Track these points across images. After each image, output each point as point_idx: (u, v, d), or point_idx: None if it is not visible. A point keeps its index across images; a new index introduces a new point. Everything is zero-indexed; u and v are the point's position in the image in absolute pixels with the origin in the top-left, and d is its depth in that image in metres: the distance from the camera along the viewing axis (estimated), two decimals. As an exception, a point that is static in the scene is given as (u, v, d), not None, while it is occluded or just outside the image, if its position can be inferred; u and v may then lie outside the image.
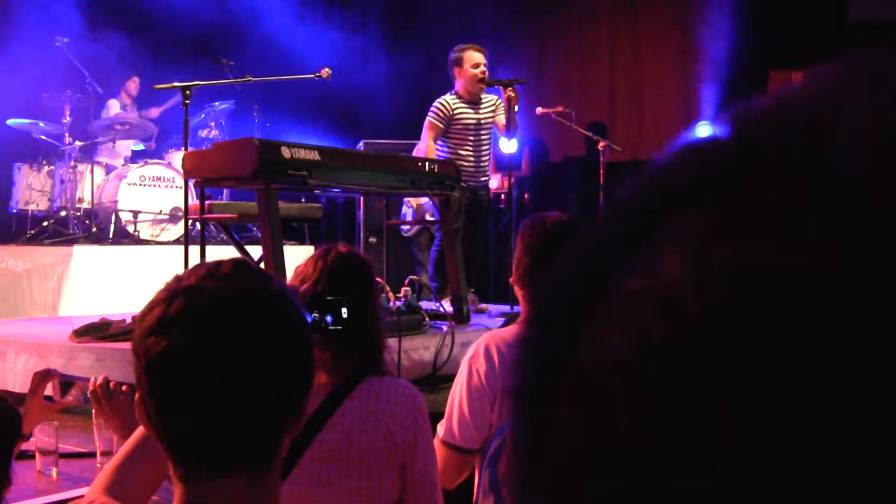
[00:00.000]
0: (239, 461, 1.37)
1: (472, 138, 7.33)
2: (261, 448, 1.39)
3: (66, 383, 2.64)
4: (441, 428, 3.14)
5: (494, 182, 9.05)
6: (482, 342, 3.13)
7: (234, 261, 1.44)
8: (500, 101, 7.41)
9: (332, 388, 2.53)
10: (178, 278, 1.40)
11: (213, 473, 1.36)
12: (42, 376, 2.78)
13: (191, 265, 1.66)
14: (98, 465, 3.61)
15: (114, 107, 9.90)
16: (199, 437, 1.36)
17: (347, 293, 2.49)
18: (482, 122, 7.37)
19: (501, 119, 7.36)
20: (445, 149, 7.28)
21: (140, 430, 1.86)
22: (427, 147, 7.18)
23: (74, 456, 3.74)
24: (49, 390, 2.78)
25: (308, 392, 1.47)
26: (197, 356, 1.33)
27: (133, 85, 10.42)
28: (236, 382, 1.34)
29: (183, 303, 1.34)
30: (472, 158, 7.33)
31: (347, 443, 2.49)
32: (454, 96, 7.32)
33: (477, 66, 7.20)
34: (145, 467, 1.80)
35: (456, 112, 7.26)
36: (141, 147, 10.20)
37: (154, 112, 10.31)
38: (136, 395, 1.39)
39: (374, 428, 2.52)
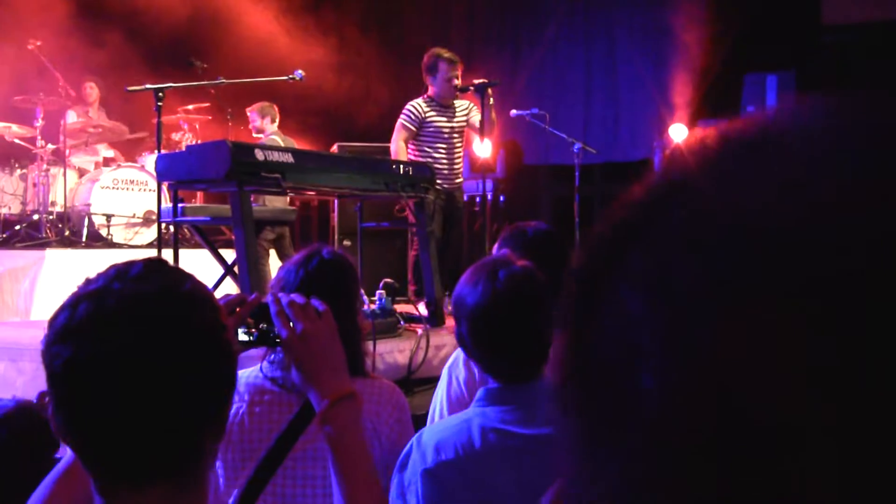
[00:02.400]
0: (158, 471, 1.31)
1: (444, 142, 7.35)
2: (180, 456, 1.33)
3: None
4: None
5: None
6: (461, 350, 3.14)
7: (146, 260, 1.36)
8: (473, 105, 7.43)
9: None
10: (87, 281, 1.33)
11: (132, 484, 1.30)
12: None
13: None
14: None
15: (70, 117, 9.81)
16: (112, 447, 1.29)
17: (331, 300, 2.48)
18: (455, 127, 7.39)
19: (476, 118, 7.37)
20: (418, 152, 7.30)
21: None
22: (397, 149, 7.24)
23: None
24: None
25: (229, 396, 1.39)
26: (103, 364, 1.25)
27: (90, 90, 10.34)
28: (143, 389, 1.26)
29: (88, 308, 1.26)
30: (445, 161, 7.35)
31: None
32: (427, 100, 7.35)
33: (449, 78, 7.23)
34: (80, 481, 1.73)
35: (427, 117, 7.28)
36: (111, 153, 10.13)
37: None
38: (49, 407, 1.32)
39: None
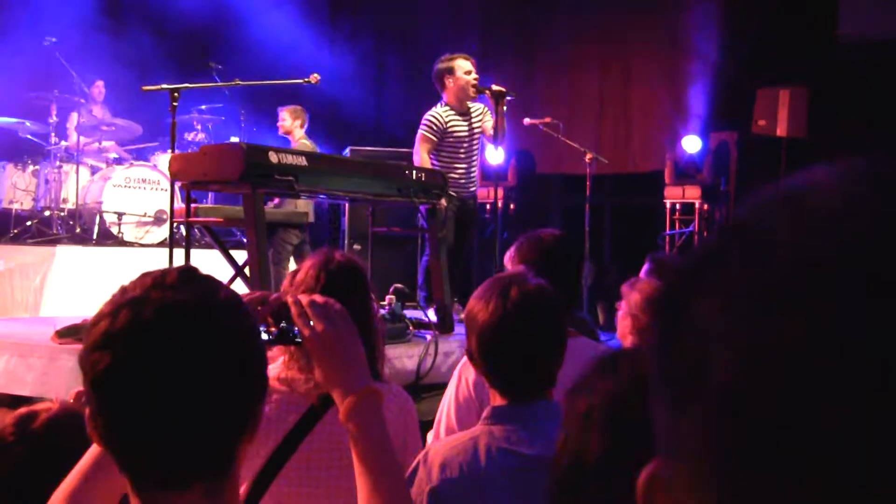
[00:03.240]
0: (193, 473, 1.35)
1: (463, 150, 7.32)
2: (215, 458, 1.37)
3: None
4: (431, 437, 3.14)
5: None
6: None
7: (180, 269, 1.41)
8: (486, 108, 7.42)
9: (324, 390, 2.52)
10: (123, 289, 1.36)
11: (168, 486, 1.34)
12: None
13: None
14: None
15: (72, 119, 9.84)
16: (150, 451, 1.33)
17: (347, 303, 2.49)
18: (473, 132, 7.37)
19: (489, 124, 7.37)
20: (437, 161, 7.23)
21: None
22: (422, 160, 7.13)
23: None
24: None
25: (262, 399, 1.43)
26: (142, 370, 1.29)
27: (96, 90, 10.37)
28: (183, 395, 1.30)
29: (127, 316, 1.30)
30: (462, 169, 7.32)
31: (338, 444, 2.49)
32: (446, 108, 7.27)
33: (469, 72, 7.20)
34: (108, 478, 1.75)
35: (449, 125, 7.22)
36: (114, 155, 10.15)
37: None
38: (87, 411, 1.35)
39: None
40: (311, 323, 1.72)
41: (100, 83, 10.34)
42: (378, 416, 1.73)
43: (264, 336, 1.75)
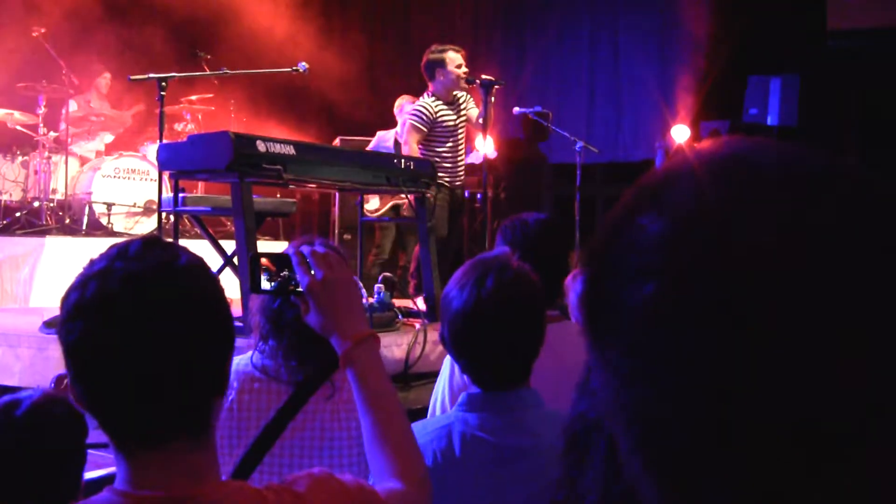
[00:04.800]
0: (173, 430, 1.42)
1: (451, 140, 7.34)
2: (192, 414, 1.45)
3: None
4: None
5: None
6: None
7: (143, 239, 1.48)
8: (470, 97, 7.44)
9: (304, 379, 2.52)
10: (91, 262, 1.44)
11: (150, 445, 1.42)
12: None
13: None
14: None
15: (71, 106, 9.79)
16: (129, 414, 1.41)
17: None
18: (459, 121, 7.38)
19: (474, 112, 7.39)
20: (426, 152, 7.24)
21: None
22: (411, 151, 7.13)
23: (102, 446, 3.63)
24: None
25: (230, 354, 1.51)
26: (111, 339, 1.37)
27: (104, 81, 10.32)
28: (152, 359, 1.38)
29: (95, 287, 1.39)
30: (451, 159, 7.33)
31: (321, 432, 2.50)
32: (434, 98, 7.29)
33: (459, 66, 7.22)
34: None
35: (438, 115, 7.24)
36: (111, 139, 10.13)
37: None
38: (67, 378, 1.44)
39: (345, 418, 2.53)
40: (312, 272, 1.80)
41: (107, 75, 10.31)
42: (378, 359, 1.81)
43: (267, 286, 1.84)
